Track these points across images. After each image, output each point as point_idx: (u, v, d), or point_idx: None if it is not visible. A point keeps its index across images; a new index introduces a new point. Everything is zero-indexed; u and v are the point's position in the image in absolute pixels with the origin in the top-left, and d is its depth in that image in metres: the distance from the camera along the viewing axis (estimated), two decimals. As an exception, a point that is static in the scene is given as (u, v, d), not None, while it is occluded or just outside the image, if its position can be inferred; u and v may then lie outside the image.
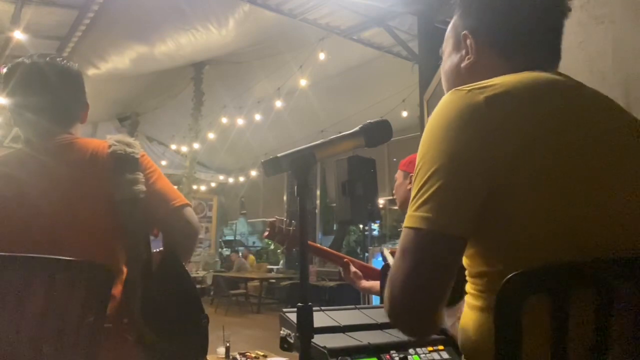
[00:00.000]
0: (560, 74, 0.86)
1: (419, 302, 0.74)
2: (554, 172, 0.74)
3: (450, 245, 0.74)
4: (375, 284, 2.05)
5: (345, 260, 2.10)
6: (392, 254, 2.16)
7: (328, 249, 2.22)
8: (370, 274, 2.12)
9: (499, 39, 0.91)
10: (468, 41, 0.93)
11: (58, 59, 1.38)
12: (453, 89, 0.80)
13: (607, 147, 0.78)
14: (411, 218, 0.75)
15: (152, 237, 1.34)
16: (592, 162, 0.76)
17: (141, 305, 1.21)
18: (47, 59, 1.36)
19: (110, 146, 1.30)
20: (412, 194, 0.77)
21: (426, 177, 0.75)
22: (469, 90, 0.78)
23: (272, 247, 13.33)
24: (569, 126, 0.77)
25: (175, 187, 1.38)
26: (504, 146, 0.73)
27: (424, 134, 0.79)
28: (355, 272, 2.07)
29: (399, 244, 0.77)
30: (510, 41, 0.90)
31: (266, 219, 13.41)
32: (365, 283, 2.06)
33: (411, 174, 2.06)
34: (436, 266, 0.74)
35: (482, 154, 0.73)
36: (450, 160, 0.74)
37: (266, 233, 1.99)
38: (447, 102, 0.79)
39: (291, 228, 1.95)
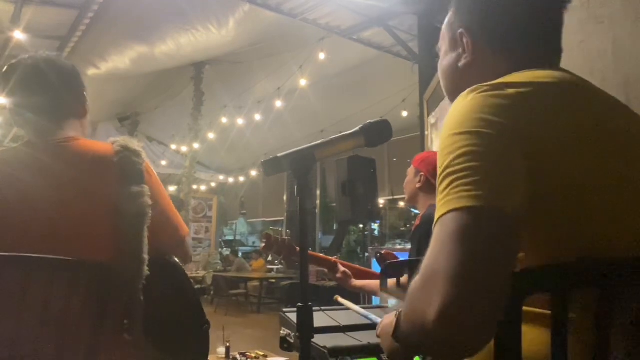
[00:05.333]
0: (565, 71, 0.84)
1: (486, 292, 0.59)
2: (585, 170, 0.71)
3: (509, 224, 0.63)
4: (368, 282, 2.04)
5: (333, 260, 2.08)
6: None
7: (317, 254, 2.23)
8: (370, 278, 2.11)
9: (496, 36, 0.88)
10: (464, 39, 0.91)
11: (53, 57, 1.36)
12: (468, 90, 0.76)
13: (631, 144, 0.77)
14: (454, 201, 0.64)
15: None
16: (620, 159, 0.74)
17: (142, 313, 1.20)
18: (44, 56, 1.34)
19: (115, 151, 1.27)
20: (445, 184, 0.67)
21: (460, 162, 0.67)
22: (490, 86, 0.74)
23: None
24: (593, 122, 0.75)
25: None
26: (537, 137, 0.69)
27: (443, 132, 0.73)
28: (344, 272, 2.05)
29: (437, 234, 0.65)
30: (508, 39, 0.87)
31: (266, 219, 13.41)
32: (356, 282, 2.05)
33: (422, 172, 2.05)
34: (498, 248, 0.62)
35: (516, 135, 0.69)
36: (486, 142, 0.67)
37: (262, 246, 2.01)
38: (466, 99, 0.74)
39: (286, 238, 1.98)
